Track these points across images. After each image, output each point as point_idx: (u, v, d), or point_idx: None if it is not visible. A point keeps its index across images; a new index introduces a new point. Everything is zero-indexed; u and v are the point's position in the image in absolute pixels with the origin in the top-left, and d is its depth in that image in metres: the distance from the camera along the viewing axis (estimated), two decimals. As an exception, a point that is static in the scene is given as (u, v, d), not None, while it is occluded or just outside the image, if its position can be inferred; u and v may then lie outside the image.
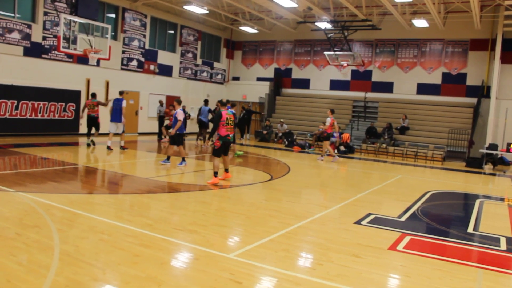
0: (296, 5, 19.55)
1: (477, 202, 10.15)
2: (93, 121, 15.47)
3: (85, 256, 4.75)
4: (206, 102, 19.05)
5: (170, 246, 5.40)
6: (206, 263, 4.82)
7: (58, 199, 7.26)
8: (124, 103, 14.85)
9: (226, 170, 10.52)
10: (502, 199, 11.04)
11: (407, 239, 6.37)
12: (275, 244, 5.68)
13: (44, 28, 17.50)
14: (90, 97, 15.80)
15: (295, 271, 4.81)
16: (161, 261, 4.82)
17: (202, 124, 18.75)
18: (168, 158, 12.45)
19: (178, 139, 12.27)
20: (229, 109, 10.30)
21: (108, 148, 14.77)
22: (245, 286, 4.29)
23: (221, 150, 10.06)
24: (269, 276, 4.60)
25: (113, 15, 20.85)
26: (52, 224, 5.81)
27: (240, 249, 5.37)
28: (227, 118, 9.94)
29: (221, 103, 10.36)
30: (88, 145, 15.44)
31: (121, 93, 15.51)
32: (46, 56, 17.67)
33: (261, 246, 5.56)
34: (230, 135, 10.04)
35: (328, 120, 16.09)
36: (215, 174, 9.97)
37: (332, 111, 16.53)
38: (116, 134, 15.21)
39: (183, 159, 12.40)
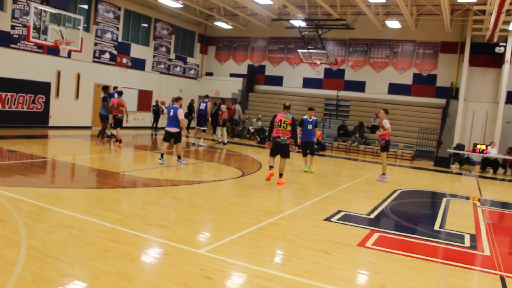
0: (271, 2, 19.62)
1: (444, 200, 10.40)
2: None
3: (53, 251, 4.68)
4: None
5: (141, 241, 5.36)
6: (176, 258, 4.81)
7: (25, 193, 7.11)
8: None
9: (280, 175, 10.41)
10: (467, 198, 11.35)
11: (375, 236, 6.49)
12: (246, 240, 5.71)
13: (13, 17, 17.04)
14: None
15: (265, 267, 4.85)
16: (131, 257, 4.78)
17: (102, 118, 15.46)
18: (179, 157, 12.26)
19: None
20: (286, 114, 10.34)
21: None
22: (216, 282, 4.31)
23: (271, 150, 10.32)
24: (239, 272, 4.63)
25: (86, 6, 20.47)
26: (19, 218, 5.69)
27: (211, 244, 5.37)
28: (280, 121, 10.12)
29: (284, 107, 10.47)
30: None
31: (114, 88, 16.71)
32: (14, 46, 17.22)
33: (231, 242, 5.58)
34: (281, 137, 10.11)
35: (387, 123, 12.26)
36: (270, 167, 10.28)
37: (387, 112, 12.48)
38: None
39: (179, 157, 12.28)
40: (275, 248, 5.66)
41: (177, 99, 12.44)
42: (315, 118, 12.96)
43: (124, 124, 15.07)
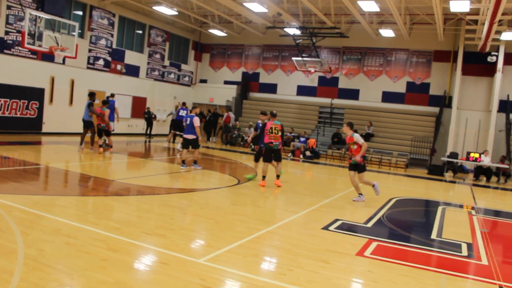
0: (266, 10, 19.68)
1: (439, 208, 10.43)
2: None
3: (51, 260, 4.61)
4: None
5: (139, 250, 5.31)
6: (175, 268, 4.76)
7: (20, 201, 7.02)
8: (116, 104, 15.91)
9: (277, 177, 11.21)
10: (462, 206, 11.39)
11: (374, 245, 6.48)
12: (244, 249, 5.67)
13: (7, 23, 16.95)
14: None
15: (265, 277, 4.82)
16: (130, 266, 4.74)
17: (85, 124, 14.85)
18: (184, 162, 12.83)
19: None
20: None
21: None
22: (216, 292, 4.28)
23: (265, 155, 11.05)
24: (239, 282, 4.59)
25: (81, 13, 20.43)
26: (15, 227, 5.61)
27: (210, 254, 5.33)
28: (271, 128, 10.86)
29: (272, 114, 11.12)
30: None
31: (112, 95, 16.53)
32: (8, 52, 17.12)
33: (230, 251, 5.54)
34: (274, 143, 10.86)
35: (359, 137, 10.07)
36: (263, 177, 11.05)
37: (351, 125, 10.24)
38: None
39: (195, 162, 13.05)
40: (274, 257, 5.63)
41: (194, 108, 13.22)
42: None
43: (118, 130, 14.94)
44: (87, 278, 4.25)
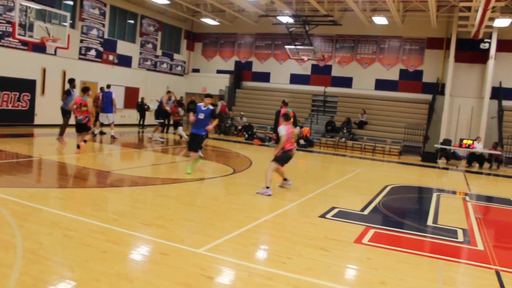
0: (258, -1, 19.55)
1: (434, 195, 10.50)
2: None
3: (50, 253, 4.60)
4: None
5: (138, 241, 5.32)
6: (176, 258, 4.77)
7: (16, 193, 6.98)
8: (113, 95, 16.13)
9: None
10: (456, 193, 11.49)
11: (371, 232, 6.52)
12: (244, 239, 5.69)
13: (-3, 14, 16.73)
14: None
15: (266, 266, 4.84)
16: (130, 257, 4.75)
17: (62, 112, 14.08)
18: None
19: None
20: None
21: (112, 137, 16.03)
22: (217, 281, 4.29)
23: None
24: (240, 271, 4.61)
25: (71, 3, 20.15)
26: (12, 220, 5.58)
27: (209, 243, 5.34)
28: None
29: (284, 103, 11.86)
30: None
31: (108, 86, 16.69)
32: (-2, 43, 16.92)
33: (229, 240, 5.56)
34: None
35: (282, 129, 9.03)
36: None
37: (284, 117, 9.18)
38: (105, 125, 16.78)
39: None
40: (273, 246, 5.66)
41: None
42: (210, 107, 10.59)
43: (119, 123, 14.87)
44: (88, 270, 4.25)
